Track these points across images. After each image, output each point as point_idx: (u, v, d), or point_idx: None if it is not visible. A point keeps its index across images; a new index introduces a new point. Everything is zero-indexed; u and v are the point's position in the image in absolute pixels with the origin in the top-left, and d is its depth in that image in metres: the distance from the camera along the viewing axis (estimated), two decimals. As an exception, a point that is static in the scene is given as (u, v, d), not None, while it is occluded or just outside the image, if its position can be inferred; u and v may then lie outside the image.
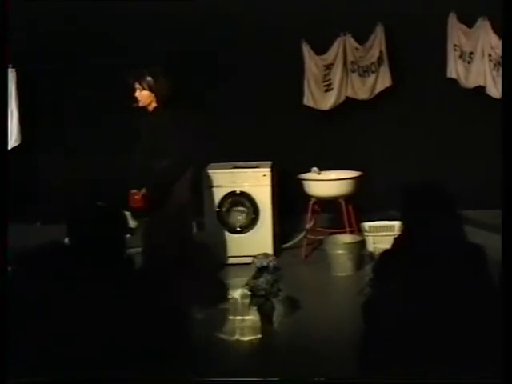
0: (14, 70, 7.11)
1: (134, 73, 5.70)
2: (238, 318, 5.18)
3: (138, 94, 5.67)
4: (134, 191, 5.60)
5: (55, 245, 3.25)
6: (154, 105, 5.68)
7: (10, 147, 7.21)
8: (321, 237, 6.92)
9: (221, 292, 5.64)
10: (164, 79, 5.67)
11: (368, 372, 3.26)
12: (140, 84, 5.64)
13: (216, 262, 6.47)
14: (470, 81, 7.14)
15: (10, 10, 3.44)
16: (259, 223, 6.86)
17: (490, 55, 6.93)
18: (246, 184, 6.87)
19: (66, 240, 3.28)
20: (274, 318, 5.24)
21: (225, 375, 4.38)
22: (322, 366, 4.45)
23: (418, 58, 7.35)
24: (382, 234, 6.59)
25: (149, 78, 5.62)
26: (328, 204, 7.00)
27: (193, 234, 5.95)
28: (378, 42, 7.32)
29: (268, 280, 5.23)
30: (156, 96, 5.65)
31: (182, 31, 7.37)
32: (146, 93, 5.65)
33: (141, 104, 5.70)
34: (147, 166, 5.65)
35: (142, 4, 7.23)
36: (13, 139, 7.20)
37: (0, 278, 2.86)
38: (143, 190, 5.59)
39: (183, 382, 2.90)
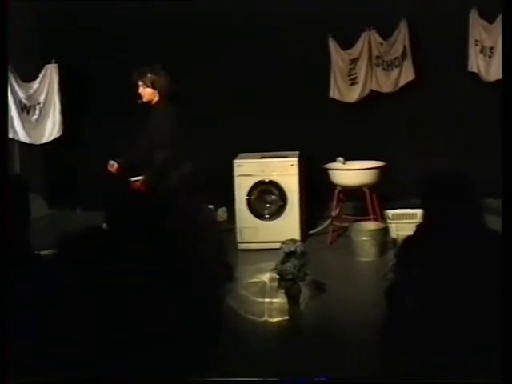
0: (56, 64, 7.15)
1: (137, 71, 5.90)
2: (267, 300, 5.20)
3: (141, 90, 5.87)
4: (135, 178, 5.82)
5: (94, 229, 3.26)
6: (156, 99, 5.87)
7: (52, 138, 7.29)
8: (346, 224, 6.90)
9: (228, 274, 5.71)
10: (165, 76, 5.86)
11: (388, 353, 3.24)
12: (143, 82, 5.83)
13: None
14: (491, 74, 7.07)
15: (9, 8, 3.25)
16: (287, 210, 6.85)
17: (510, 50, 6.83)
18: (274, 173, 6.86)
19: (104, 225, 3.31)
20: (301, 301, 5.23)
21: (252, 355, 4.41)
22: (345, 346, 4.46)
23: (440, 52, 7.29)
24: (404, 222, 6.55)
25: (150, 76, 5.82)
26: (353, 192, 6.98)
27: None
28: (401, 37, 7.29)
29: (295, 264, 5.22)
30: (159, 92, 5.84)
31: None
32: (149, 90, 5.85)
33: (144, 99, 5.90)
34: (148, 156, 5.89)
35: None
36: (55, 130, 7.26)
37: (0, 277, 2.80)
38: (142, 177, 5.79)
39: (183, 382, 2.81)
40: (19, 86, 7.11)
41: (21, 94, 7.11)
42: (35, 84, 7.20)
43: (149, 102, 5.90)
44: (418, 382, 2.92)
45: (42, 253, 3.59)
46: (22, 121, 7.14)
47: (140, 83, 5.85)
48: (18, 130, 7.16)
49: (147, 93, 5.85)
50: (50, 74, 7.18)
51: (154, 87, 5.82)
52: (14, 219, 3.02)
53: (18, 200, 3.09)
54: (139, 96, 5.89)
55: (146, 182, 5.77)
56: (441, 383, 2.86)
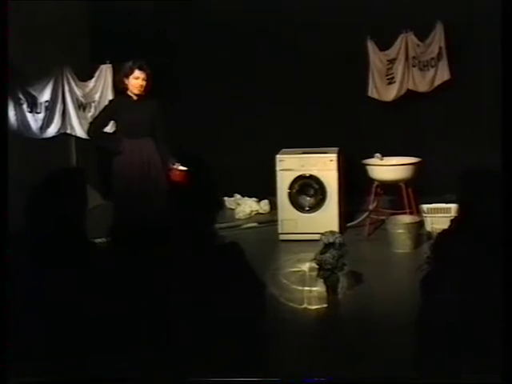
0: (110, 65, 7.24)
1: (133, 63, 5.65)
2: (306, 288, 5.21)
3: (141, 82, 5.65)
4: (179, 166, 5.61)
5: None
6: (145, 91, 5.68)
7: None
8: (383, 217, 6.88)
9: None
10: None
11: (421, 343, 3.21)
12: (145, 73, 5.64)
13: None
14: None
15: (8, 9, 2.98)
16: (326, 204, 6.84)
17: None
18: (314, 168, 6.86)
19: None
20: (339, 290, 5.24)
21: (293, 339, 4.43)
22: (380, 332, 4.46)
23: (475, 52, 7.19)
24: (439, 216, 6.50)
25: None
26: (389, 187, 6.94)
27: None
28: (437, 38, 7.23)
29: (334, 255, 5.22)
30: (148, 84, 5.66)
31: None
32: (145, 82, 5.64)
33: (137, 91, 5.67)
34: None
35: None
36: (108, 126, 7.32)
37: (1, 277, 2.70)
38: (186, 168, 5.60)
39: (183, 382, 2.73)
40: (76, 85, 7.21)
41: (78, 93, 7.22)
42: (91, 83, 7.28)
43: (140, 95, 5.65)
44: (418, 382, 2.88)
45: (97, 241, 3.62)
46: (79, 117, 7.25)
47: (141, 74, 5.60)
48: (75, 126, 7.27)
49: (143, 84, 5.62)
50: (105, 74, 7.27)
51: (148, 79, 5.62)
52: (72, 209, 3.07)
53: (76, 191, 3.13)
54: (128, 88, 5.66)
55: (189, 175, 5.52)
56: (441, 383, 2.81)
